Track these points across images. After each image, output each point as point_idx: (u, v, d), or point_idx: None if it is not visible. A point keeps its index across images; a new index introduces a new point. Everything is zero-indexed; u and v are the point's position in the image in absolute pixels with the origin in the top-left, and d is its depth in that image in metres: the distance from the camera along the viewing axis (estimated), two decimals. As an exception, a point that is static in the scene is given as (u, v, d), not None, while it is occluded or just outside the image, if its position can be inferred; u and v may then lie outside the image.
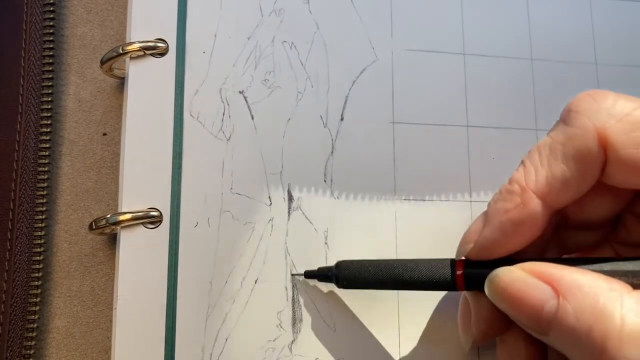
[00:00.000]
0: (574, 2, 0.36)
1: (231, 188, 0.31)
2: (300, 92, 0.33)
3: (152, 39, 0.32)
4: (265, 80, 0.32)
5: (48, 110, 0.33)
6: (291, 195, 0.31)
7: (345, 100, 0.33)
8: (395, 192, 0.32)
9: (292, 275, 0.30)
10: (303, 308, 0.30)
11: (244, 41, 0.33)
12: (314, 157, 0.32)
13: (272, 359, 0.30)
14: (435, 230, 0.32)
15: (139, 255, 0.30)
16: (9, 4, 0.32)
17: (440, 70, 0.34)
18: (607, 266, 0.23)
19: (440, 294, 0.31)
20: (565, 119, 0.24)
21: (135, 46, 0.31)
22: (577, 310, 0.20)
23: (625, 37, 0.36)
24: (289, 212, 0.31)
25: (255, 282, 0.30)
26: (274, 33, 0.33)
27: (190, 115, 0.32)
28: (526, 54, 0.35)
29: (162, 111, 0.31)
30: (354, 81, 0.33)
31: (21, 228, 0.31)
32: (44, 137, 0.32)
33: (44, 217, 0.32)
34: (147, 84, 0.32)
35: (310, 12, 0.33)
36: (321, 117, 0.33)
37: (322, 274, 0.29)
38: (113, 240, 0.32)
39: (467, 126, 0.34)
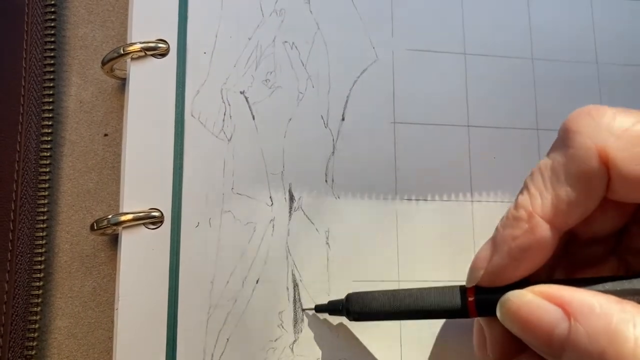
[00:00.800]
0: (574, 1, 0.36)
1: (232, 188, 0.31)
2: (301, 92, 0.33)
3: (153, 39, 0.32)
4: (266, 80, 0.32)
5: (49, 111, 0.33)
6: (292, 195, 0.31)
7: (346, 100, 0.33)
8: (396, 192, 0.32)
9: (303, 310, 0.30)
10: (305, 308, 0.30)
11: (244, 41, 0.33)
12: (315, 157, 0.32)
13: (273, 359, 0.30)
14: (436, 229, 0.32)
15: (140, 256, 0.30)
16: (10, 4, 0.32)
17: (441, 70, 0.34)
18: (618, 285, 0.23)
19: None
20: (564, 138, 0.23)
21: (136, 47, 0.31)
22: (590, 332, 0.20)
23: (626, 36, 0.36)
24: (290, 212, 0.31)
25: (257, 282, 0.30)
26: (274, 33, 0.33)
27: (192, 115, 0.32)
28: (527, 54, 0.35)
29: (163, 111, 0.31)
30: (355, 81, 0.33)
31: (23, 229, 0.31)
32: (45, 138, 0.32)
33: (45, 217, 0.32)
34: (148, 85, 0.32)
35: (311, 12, 0.34)
36: (322, 117, 0.33)
37: (332, 308, 0.29)
38: (114, 240, 0.32)
39: (468, 126, 0.34)
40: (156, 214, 0.30)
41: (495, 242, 0.25)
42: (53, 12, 0.33)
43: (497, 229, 0.25)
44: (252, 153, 0.32)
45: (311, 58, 0.33)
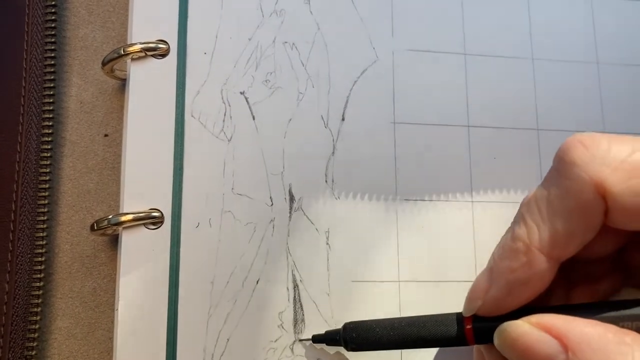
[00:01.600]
0: (575, 2, 0.36)
1: (232, 188, 0.31)
2: (301, 93, 0.33)
3: (154, 40, 0.32)
4: (266, 80, 0.33)
5: (49, 111, 0.33)
6: (292, 196, 0.31)
7: (346, 101, 0.33)
8: (396, 192, 0.32)
9: (300, 340, 0.30)
10: (305, 308, 0.30)
11: (245, 42, 0.33)
12: (315, 157, 0.32)
13: (273, 359, 0.30)
14: (436, 230, 0.32)
15: (140, 256, 0.30)
16: (11, 5, 0.33)
17: (441, 70, 0.34)
18: (618, 313, 0.23)
19: None
20: (559, 169, 0.23)
21: (137, 47, 0.31)
22: None
23: (626, 36, 0.36)
24: (290, 213, 0.31)
25: (257, 283, 0.30)
26: (274, 34, 0.33)
27: (192, 115, 0.32)
28: (527, 54, 0.35)
29: (163, 112, 0.31)
30: (355, 81, 0.33)
31: (23, 229, 0.31)
32: (46, 139, 0.32)
33: (45, 218, 0.32)
34: (148, 85, 0.32)
35: (311, 12, 0.34)
36: (322, 118, 0.33)
37: (329, 338, 0.29)
38: (114, 241, 0.32)
39: (468, 126, 0.34)
40: (156, 214, 0.30)
41: (492, 273, 0.24)
42: (53, 13, 0.34)
43: (493, 258, 0.25)
44: (252, 153, 0.32)
45: (311, 58, 0.33)
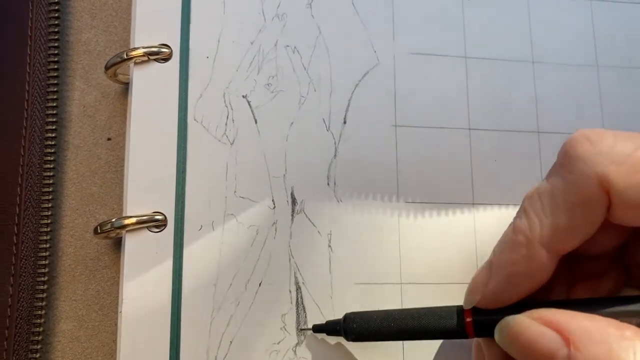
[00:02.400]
0: (574, 4, 0.37)
1: (235, 191, 0.31)
2: (303, 96, 0.33)
3: (156, 44, 0.32)
4: (268, 84, 0.33)
5: (53, 115, 0.33)
6: (294, 199, 0.32)
7: (348, 104, 0.33)
8: (398, 195, 0.32)
9: (301, 330, 0.30)
10: (307, 311, 0.30)
11: (247, 46, 0.33)
12: (317, 160, 0.32)
13: (276, 362, 0.30)
14: (438, 232, 0.32)
15: (143, 259, 0.30)
16: (15, 10, 0.33)
17: (442, 73, 0.34)
18: (619, 308, 0.23)
19: None
20: (563, 164, 0.23)
21: (139, 51, 0.32)
22: None
23: (625, 38, 0.36)
24: (292, 215, 0.31)
25: (260, 285, 0.30)
26: (276, 37, 0.33)
27: (194, 119, 0.32)
28: (527, 57, 0.35)
29: (166, 116, 0.32)
30: (357, 85, 0.33)
31: (27, 232, 0.31)
32: (49, 142, 0.33)
33: (49, 221, 0.32)
34: (151, 89, 0.32)
35: (312, 16, 0.34)
36: (324, 121, 0.33)
37: (330, 328, 0.29)
38: (118, 244, 0.32)
39: (469, 129, 0.34)
40: (159, 217, 0.30)
41: (492, 265, 0.25)
42: (57, 18, 0.34)
43: (494, 251, 0.25)
44: (255, 156, 0.32)
45: (313, 62, 0.33)
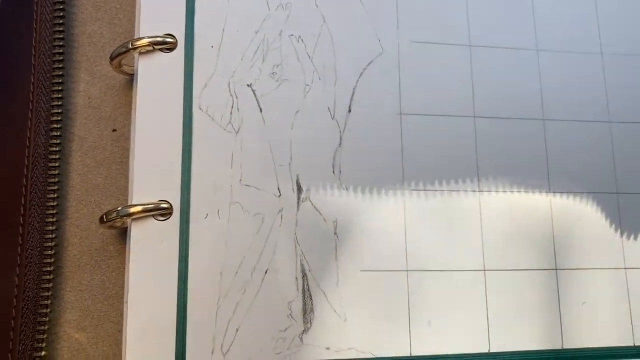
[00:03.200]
0: (578, -6, 0.37)
1: (240, 180, 0.31)
2: (307, 85, 0.33)
3: (161, 34, 0.32)
4: (273, 73, 0.33)
5: (58, 107, 0.33)
6: (300, 186, 0.32)
7: (353, 92, 0.33)
8: (403, 183, 0.32)
9: None
10: (313, 298, 0.30)
11: (251, 35, 0.33)
12: (322, 148, 0.32)
13: (282, 349, 0.30)
14: (443, 219, 0.32)
15: (149, 247, 0.30)
16: (20, 2, 0.33)
17: (447, 62, 0.34)
18: None
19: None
20: None
21: (144, 41, 0.32)
22: None
23: (630, 26, 0.37)
24: (298, 203, 0.31)
25: (266, 273, 0.30)
26: (281, 26, 0.33)
27: (200, 108, 0.32)
28: (532, 45, 0.35)
29: (171, 105, 0.32)
30: (361, 73, 0.33)
31: (32, 223, 0.31)
32: (55, 134, 0.33)
33: (54, 212, 0.32)
34: (156, 79, 0.32)
35: (316, 5, 0.34)
36: (329, 109, 0.33)
37: None
38: (123, 234, 0.32)
39: (474, 117, 0.34)
40: (165, 205, 0.30)
41: None
42: (62, 10, 0.34)
43: None
44: (260, 145, 0.32)
45: (317, 51, 0.33)
